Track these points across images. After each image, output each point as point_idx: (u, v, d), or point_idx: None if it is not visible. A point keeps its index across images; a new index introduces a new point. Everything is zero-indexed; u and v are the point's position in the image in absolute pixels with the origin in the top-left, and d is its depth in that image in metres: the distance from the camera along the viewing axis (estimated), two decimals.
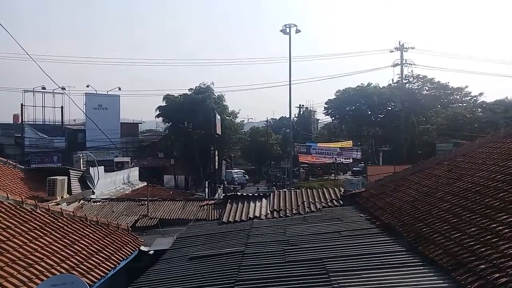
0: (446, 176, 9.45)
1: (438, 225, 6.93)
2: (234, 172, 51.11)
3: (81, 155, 22.92)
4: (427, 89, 60.19)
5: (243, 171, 53.19)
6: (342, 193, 12.36)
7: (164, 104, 47.61)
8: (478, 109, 47.44)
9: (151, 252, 9.69)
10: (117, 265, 8.26)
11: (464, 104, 55.13)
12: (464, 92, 58.60)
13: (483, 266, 5.06)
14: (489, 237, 5.70)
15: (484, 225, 6.13)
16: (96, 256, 8.01)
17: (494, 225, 5.94)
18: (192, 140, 44.30)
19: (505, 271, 4.74)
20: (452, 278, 5.28)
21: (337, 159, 47.80)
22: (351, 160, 50.15)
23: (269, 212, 11.55)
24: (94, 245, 8.39)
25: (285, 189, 15.47)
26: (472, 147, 10.83)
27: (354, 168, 53.09)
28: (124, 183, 23.74)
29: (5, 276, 5.92)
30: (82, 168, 20.47)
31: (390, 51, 48.64)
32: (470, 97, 57.63)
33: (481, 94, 55.24)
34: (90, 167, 19.73)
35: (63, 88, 39.41)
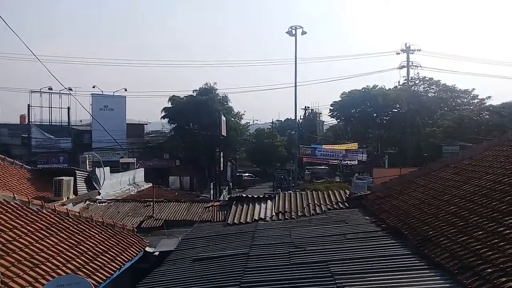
0: (453, 179, 9.41)
1: (445, 228, 6.90)
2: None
3: (87, 155, 22.97)
4: (433, 91, 59.91)
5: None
6: (347, 196, 12.32)
7: (169, 105, 47.74)
8: (485, 112, 47.12)
9: (156, 253, 9.70)
10: (123, 266, 8.28)
11: (471, 107, 54.77)
12: (471, 95, 58.28)
13: (490, 270, 5.03)
14: (496, 240, 5.67)
15: (491, 228, 6.10)
16: (102, 256, 8.03)
17: (501, 229, 5.91)
18: (198, 142, 44.37)
19: None
20: (458, 282, 5.25)
21: (342, 161, 47.61)
22: (356, 162, 49.91)
23: (274, 214, 11.53)
24: (100, 246, 8.41)
25: (290, 191, 15.44)
26: (478, 150, 10.77)
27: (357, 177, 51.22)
28: (130, 184, 23.77)
29: (11, 276, 5.94)
30: (88, 168, 20.51)
31: (396, 53, 48.51)
32: (477, 100, 57.29)
33: (488, 97, 54.86)
34: (96, 168, 19.78)
35: (70, 89, 39.67)
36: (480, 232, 6.14)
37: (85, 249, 7.94)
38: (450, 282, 5.39)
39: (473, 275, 5.15)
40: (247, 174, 56.46)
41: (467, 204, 7.44)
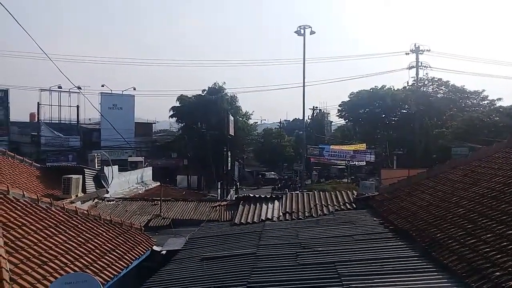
0: (462, 181, 9.34)
1: (453, 230, 6.85)
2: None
3: (96, 154, 23.16)
4: (442, 92, 59.45)
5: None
6: (355, 197, 12.28)
7: (178, 104, 47.89)
8: (495, 113, 46.62)
9: (164, 252, 9.74)
10: (130, 264, 8.32)
11: (481, 108, 54.26)
12: (481, 96, 57.77)
13: (498, 273, 4.99)
14: (505, 243, 5.62)
15: (500, 231, 6.05)
16: (109, 255, 8.08)
17: (510, 232, 5.85)
18: (205, 141, 44.46)
19: None
20: (466, 285, 5.22)
21: (350, 161, 47.42)
22: (364, 163, 49.65)
23: (281, 214, 11.52)
24: (107, 244, 8.46)
25: (298, 192, 15.42)
26: (488, 152, 10.68)
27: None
28: (138, 182, 23.89)
29: (19, 274, 5.99)
30: (96, 167, 20.67)
31: (406, 54, 48.12)
32: (487, 101, 56.78)
33: (499, 99, 54.33)
34: (105, 166, 19.91)
35: (79, 88, 39.79)
36: (489, 235, 6.09)
37: (93, 247, 7.99)
38: (458, 284, 5.35)
39: (481, 278, 5.11)
40: (273, 172, 56.70)
41: (476, 207, 7.39)
